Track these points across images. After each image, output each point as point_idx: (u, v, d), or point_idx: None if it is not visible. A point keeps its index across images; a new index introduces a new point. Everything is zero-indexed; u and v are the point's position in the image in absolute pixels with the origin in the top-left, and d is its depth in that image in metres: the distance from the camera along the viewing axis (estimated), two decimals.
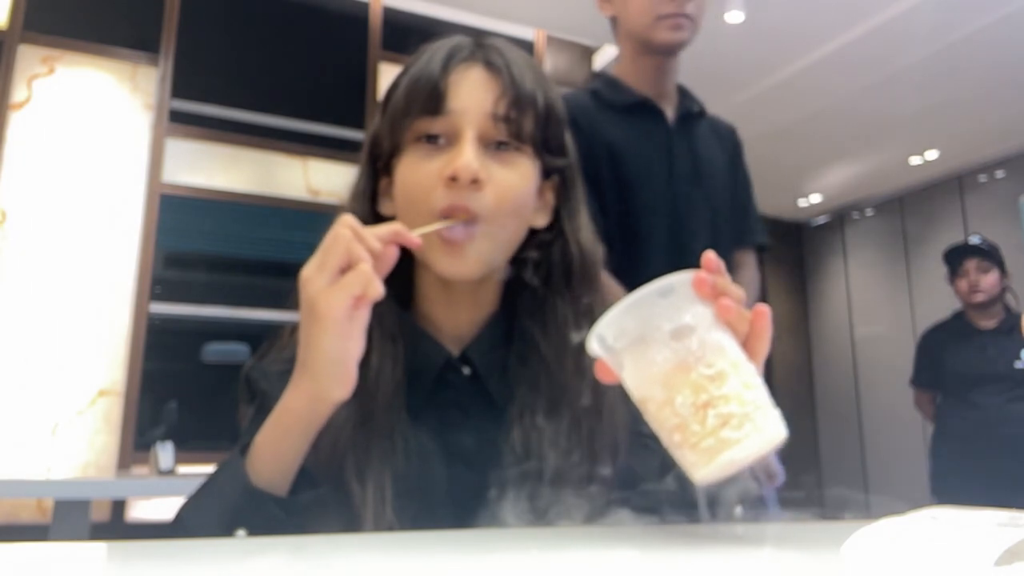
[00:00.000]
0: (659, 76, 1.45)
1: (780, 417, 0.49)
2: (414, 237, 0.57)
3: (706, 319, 0.50)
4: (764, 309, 0.52)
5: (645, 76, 1.45)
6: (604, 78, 1.50)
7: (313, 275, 0.54)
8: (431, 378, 0.69)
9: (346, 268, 0.54)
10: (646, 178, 1.40)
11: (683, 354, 0.49)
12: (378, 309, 0.69)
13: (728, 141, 1.57)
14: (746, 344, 0.51)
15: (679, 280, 0.50)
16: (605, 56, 3.93)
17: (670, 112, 1.48)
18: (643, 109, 1.44)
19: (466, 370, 0.70)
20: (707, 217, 1.44)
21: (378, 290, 0.54)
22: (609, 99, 1.44)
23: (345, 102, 3.41)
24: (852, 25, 3.68)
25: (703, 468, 0.48)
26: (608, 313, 0.50)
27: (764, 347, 0.52)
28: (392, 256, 0.58)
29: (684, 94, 1.52)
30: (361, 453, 0.63)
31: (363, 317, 0.56)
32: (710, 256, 0.52)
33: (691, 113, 1.50)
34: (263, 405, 0.70)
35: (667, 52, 1.42)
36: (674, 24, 1.37)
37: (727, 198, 1.49)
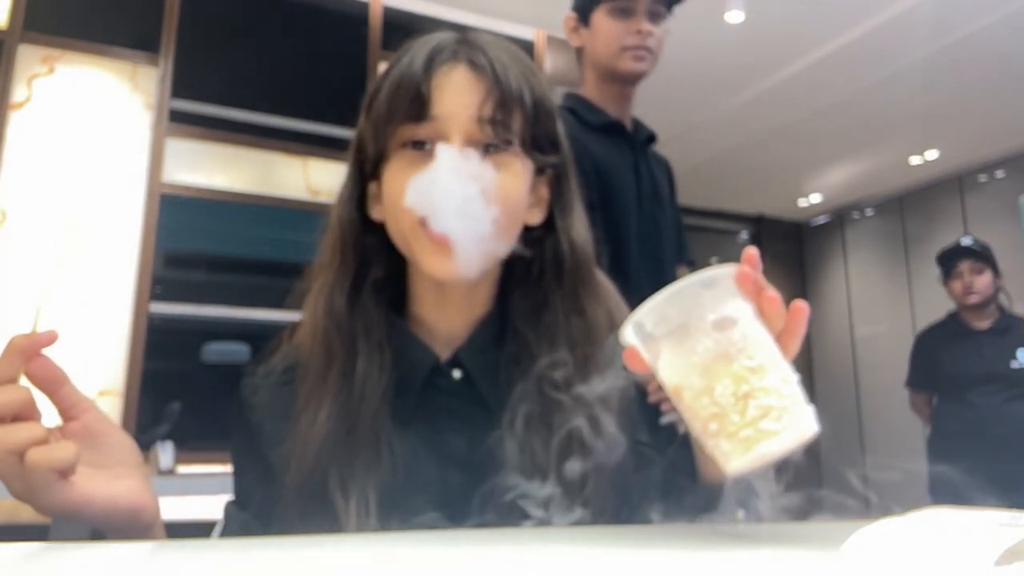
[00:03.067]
0: (621, 103, 1.59)
1: (814, 413, 0.50)
2: (42, 336, 0.51)
3: (747, 313, 0.51)
4: (803, 306, 0.53)
5: (609, 102, 1.58)
6: (576, 98, 1.62)
7: None
8: (419, 383, 0.68)
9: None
10: (621, 194, 1.52)
11: (725, 345, 0.49)
12: (365, 317, 0.69)
13: (665, 170, 1.71)
14: (779, 340, 0.52)
15: (721, 273, 0.51)
16: None
17: (632, 135, 1.62)
18: (614, 130, 1.57)
19: (456, 373, 0.69)
20: (668, 232, 1.59)
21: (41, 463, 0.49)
22: (585, 119, 1.55)
23: (345, 102, 3.40)
24: (852, 25, 3.68)
25: (738, 458, 0.49)
26: (648, 301, 0.50)
27: (796, 344, 0.53)
28: (42, 366, 0.51)
29: (637, 123, 1.66)
30: (345, 465, 0.62)
31: (65, 474, 0.51)
32: (752, 252, 0.52)
33: (644, 139, 1.65)
34: (248, 422, 0.70)
35: (629, 81, 1.56)
36: (636, 55, 1.52)
37: (671, 217, 1.67)
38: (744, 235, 6.49)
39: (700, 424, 0.50)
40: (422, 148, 0.66)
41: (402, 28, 3.47)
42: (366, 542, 0.55)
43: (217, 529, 0.70)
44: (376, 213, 0.71)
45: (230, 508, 0.70)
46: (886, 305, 5.74)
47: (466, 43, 0.69)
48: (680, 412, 0.52)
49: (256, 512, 0.67)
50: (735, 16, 3.56)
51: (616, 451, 0.65)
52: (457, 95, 0.66)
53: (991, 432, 2.71)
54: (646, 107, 1.65)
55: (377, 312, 0.69)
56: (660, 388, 0.54)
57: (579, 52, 1.63)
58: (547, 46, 3.78)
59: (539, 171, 0.71)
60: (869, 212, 6.06)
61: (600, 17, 1.55)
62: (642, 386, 0.70)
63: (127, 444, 0.56)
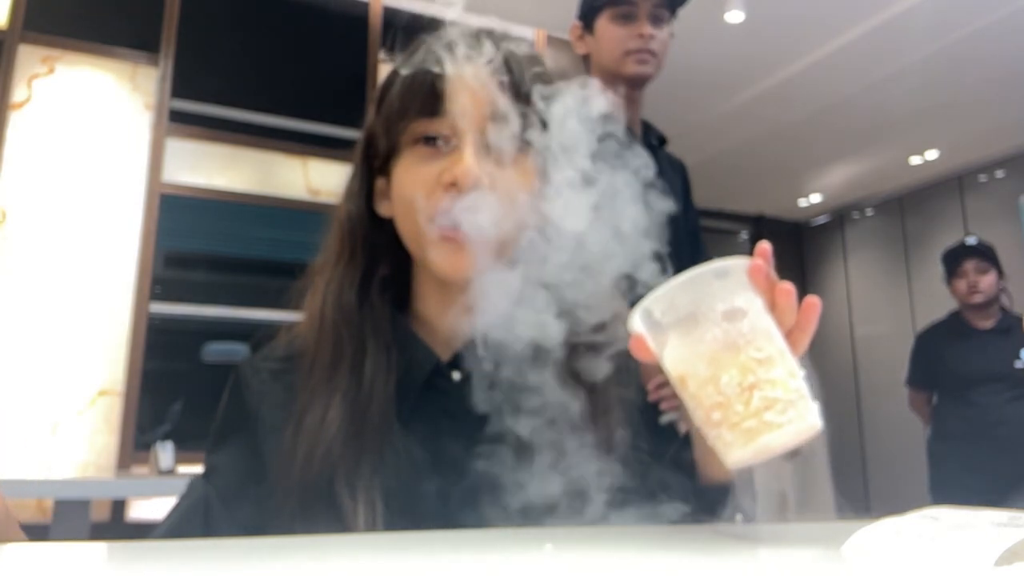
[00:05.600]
0: (628, 107, 1.60)
1: (818, 410, 0.50)
2: None
3: (756, 305, 0.51)
4: (816, 302, 0.53)
5: (616, 106, 1.58)
6: None
7: None
8: (420, 384, 0.67)
9: None
10: None
11: (734, 335, 0.49)
12: (374, 315, 0.68)
13: (680, 173, 1.71)
14: (789, 335, 0.52)
15: (734, 265, 0.51)
16: None
17: (639, 140, 1.62)
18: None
19: (456, 375, 0.68)
20: (677, 236, 1.56)
21: None
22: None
23: (345, 102, 3.42)
24: (852, 25, 3.68)
25: (740, 449, 0.48)
26: (658, 289, 0.50)
27: (806, 340, 0.52)
28: None
29: (647, 125, 1.67)
30: (351, 465, 0.62)
31: None
32: (764, 246, 0.52)
33: (653, 143, 1.66)
34: (244, 401, 0.69)
35: (634, 84, 1.58)
36: (640, 58, 1.54)
37: (683, 220, 1.67)
38: (744, 235, 6.49)
39: (703, 413, 0.50)
40: (434, 144, 0.66)
41: (402, 28, 3.47)
42: (372, 542, 0.55)
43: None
44: (384, 209, 0.71)
45: (196, 480, 0.68)
46: (886, 305, 5.74)
47: (480, 40, 0.69)
48: (684, 402, 0.52)
49: (222, 489, 0.65)
50: (735, 16, 3.56)
51: (616, 456, 0.65)
52: (471, 92, 0.66)
53: (993, 432, 2.71)
54: (646, 107, 1.66)
55: (384, 310, 0.69)
56: (659, 387, 0.54)
57: (585, 59, 1.66)
58: (547, 46, 3.78)
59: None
60: (869, 212, 6.06)
61: (603, 23, 1.58)
62: (645, 391, 0.70)
63: None
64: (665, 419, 0.58)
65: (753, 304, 0.51)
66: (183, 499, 0.66)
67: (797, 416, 0.48)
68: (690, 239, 1.66)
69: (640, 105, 1.63)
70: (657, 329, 0.52)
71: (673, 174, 1.67)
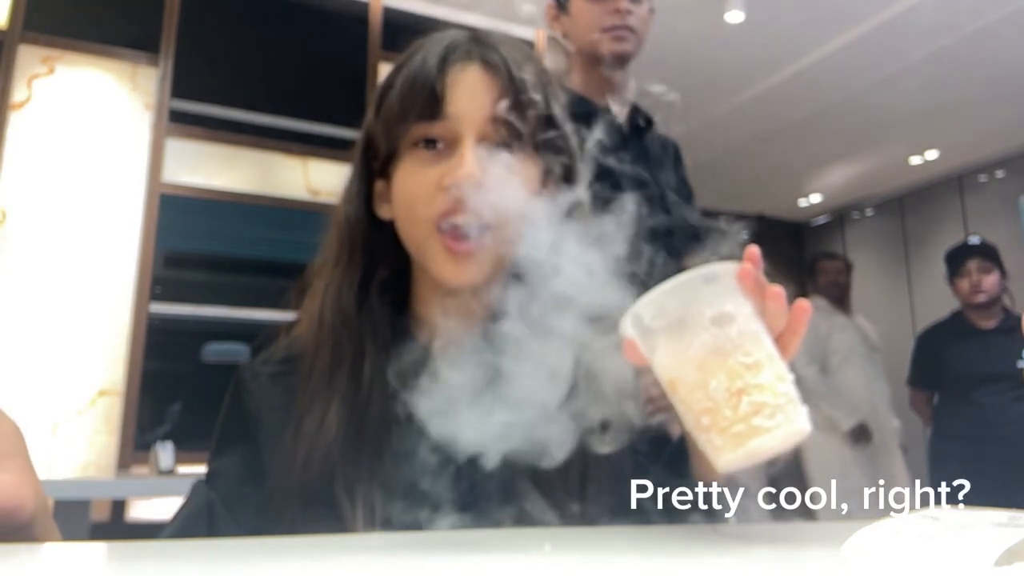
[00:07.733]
0: (609, 89, 1.53)
1: (807, 413, 0.50)
2: None
3: (745, 309, 0.51)
4: (806, 305, 0.53)
5: (594, 90, 1.53)
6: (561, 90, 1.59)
7: None
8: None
9: None
10: None
11: (722, 340, 0.49)
12: (373, 318, 0.68)
13: (672, 152, 1.65)
14: (779, 339, 0.52)
15: (723, 269, 0.51)
16: None
17: (623, 122, 1.55)
18: (599, 119, 1.55)
19: None
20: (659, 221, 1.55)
21: None
22: (568, 110, 1.52)
23: (345, 102, 3.41)
24: (852, 25, 3.68)
25: (729, 453, 0.48)
26: (648, 294, 0.50)
27: (797, 343, 0.52)
28: None
29: (634, 108, 1.61)
30: (350, 468, 0.62)
31: None
32: (753, 250, 0.52)
33: (639, 125, 1.59)
34: (244, 406, 0.69)
35: (614, 64, 1.50)
36: (617, 35, 1.47)
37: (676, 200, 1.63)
38: (744, 235, 6.50)
39: (693, 418, 0.50)
40: (434, 147, 0.66)
41: (402, 28, 3.47)
42: (372, 542, 0.55)
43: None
44: (384, 212, 0.71)
45: (198, 485, 0.68)
46: (886, 305, 5.74)
47: (479, 41, 0.69)
48: (674, 406, 0.52)
49: (225, 494, 0.65)
50: (735, 16, 3.56)
51: (614, 457, 0.64)
52: (471, 94, 0.66)
53: (995, 432, 2.71)
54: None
55: (383, 312, 0.69)
56: (649, 387, 0.54)
57: (563, 40, 1.59)
58: (548, 46, 3.78)
59: (549, 171, 0.71)
60: (869, 212, 6.06)
61: (578, 1, 1.51)
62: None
63: (3, 428, 0.46)
64: (655, 420, 0.58)
65: (742, 308, 0.51)
66: (186, 504, 0.66)
67: (786, 420, 0.48)
68: (683, 223, 1.59)
69: (624, 87, 1.55)
70: (647, 334, 0.52)
71: (664, 154, 1.60)
